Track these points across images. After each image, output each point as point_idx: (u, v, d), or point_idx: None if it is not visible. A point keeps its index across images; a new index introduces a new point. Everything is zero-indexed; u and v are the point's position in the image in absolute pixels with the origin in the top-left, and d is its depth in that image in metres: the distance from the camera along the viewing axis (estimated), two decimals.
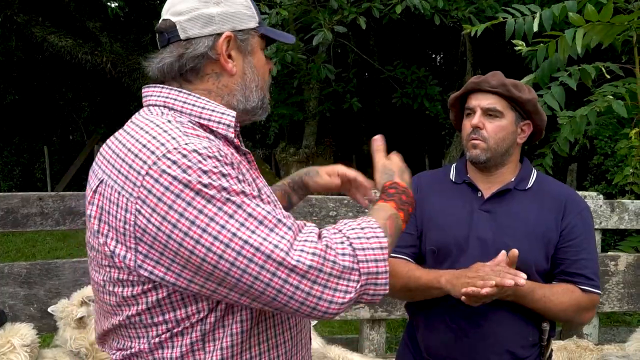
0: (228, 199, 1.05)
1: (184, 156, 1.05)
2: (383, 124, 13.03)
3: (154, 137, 1.10)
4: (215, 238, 1.03)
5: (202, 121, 1.19)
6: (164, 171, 1.04)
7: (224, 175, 1.06)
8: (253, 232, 1.04)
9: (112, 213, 1.10)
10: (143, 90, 1.27)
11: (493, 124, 1.82)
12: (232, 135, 1.21)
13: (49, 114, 14.16)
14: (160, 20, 1.27)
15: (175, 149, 1.06)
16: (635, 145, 4.01)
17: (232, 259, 1.03)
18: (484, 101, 1.82)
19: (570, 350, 2.88)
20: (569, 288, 1.77)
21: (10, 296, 2.69)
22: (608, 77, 3.56)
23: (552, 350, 1.89)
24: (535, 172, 1.92)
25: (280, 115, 9.05)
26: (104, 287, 1.17)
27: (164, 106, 1.21)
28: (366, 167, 13.66)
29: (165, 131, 1.11)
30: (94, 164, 1.21)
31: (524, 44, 3.50)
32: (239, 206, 1.05)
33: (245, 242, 1.03)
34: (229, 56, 1.23)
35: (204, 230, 1.03)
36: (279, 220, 1.06)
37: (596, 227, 3.17)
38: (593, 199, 3.31)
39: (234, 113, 1.22)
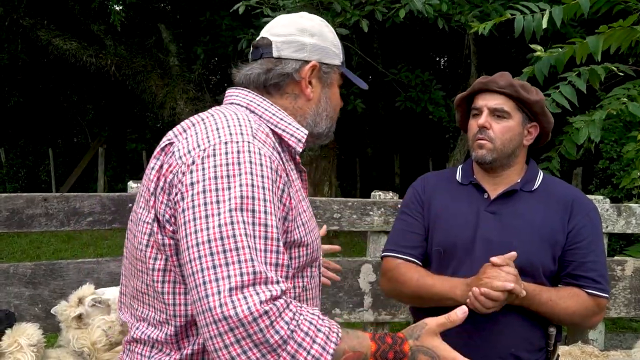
0: (231, 210, 1.08)
1: (238, 151, 1.14)
2: (387, 127, 13.03)
3: (228, 126, 1.19)
4: (195, 232, 1.08)
5: (277, 130, 1.30)
6: (214, 154, 1.14)
7: (253, 185, 1.11)
8: (224, 251, 1.06)
9: (164, 170, 1.20)
10: (228, 91, 1.39)
11: (500, 125, 1.81)
12: (300, 150, 1.32)
13: (53, 117, 14.22)
14: (258, 37, 1.41)
15: (236, 142, 1.15)
16: None
17: (191, 258, 1.07)
18: (491, 101, 1.81)
19: (575, 356, 2.86)
20: (576, 292, 1.76)
21: (15, 296, 2.70)
22: (622, 75, 3.51)
23: (558, 355, 1.87)
24: (542, 174, 1.91)
25: None
26: (139, 244, 1.23)
27: (246, 108, 1.32)
28: (370, 170, 13.67)
29: (239, 125, 1.20)
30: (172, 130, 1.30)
31: (542, 49, 3.47)
32: (232, 222, 1.08)
33: (211, 254, 1.06)
34: (310, 83, 1.37)
35: (194, 219, 1.09)
36: (251, 259, 1.06)
37: (603, 231, 3.15)
38: (599, 203, 3.29)
39: (306, 131, 1.34)
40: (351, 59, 9.62)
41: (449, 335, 1.79)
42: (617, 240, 5.97)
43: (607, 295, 1.79)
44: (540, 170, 1.93)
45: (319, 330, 1.09)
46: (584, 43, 3.21)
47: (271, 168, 1.15)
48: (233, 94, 1.36)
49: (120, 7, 9.65)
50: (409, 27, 9.67)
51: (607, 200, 3.38)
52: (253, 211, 1.10)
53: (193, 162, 1.14)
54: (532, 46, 3.48)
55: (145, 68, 10.17)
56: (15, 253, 7.99)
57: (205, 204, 1.10)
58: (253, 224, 1.09)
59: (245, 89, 1.36)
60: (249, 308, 1.03)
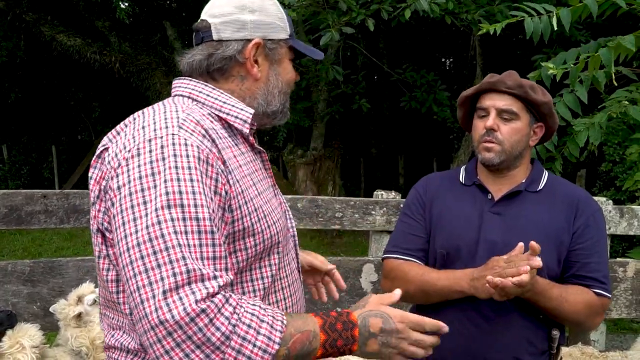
0: (157, 209, 1.05)
1: (162, 147, 1.10)
2: (391, 128, 13.01)
3: (154, 122, 1.15)
4: (125, 236, 1.05)
5: (221, 114, 1.26)
6: (139, 154, 1.10)
7: (179, 179, 1.07)
8: (154, 253, 1.03)
9: (99, 176, 1.18)
10: (173, 82, 1.34)
11: (508, 126, 1.78)
12: (247, 131, 1.27)
13: (57, 114, 14.21)
14: (198, 20, 1.34)
15: (160, 137, 1.11)
16: None
17: (125, 264, 1.05)
18: (499, 102, 1.78)
19: (575, 357, 2.84)
20: (583, 289, 1.73)
21: (14, 294, 2.69)
22: (615, 84, 3.51)
23: (561, 358, 1.84)
24: (547, 174, 1.88)
25: (288, 121, 9.02)
26: (95, 256, 1.22)
27: (189, 97, 1.28)
28: (374, 170, 13.64)
29: (166, 119, 1.15)
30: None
31: (554, 67, 3.45)
32: (159, 222, 1.04)
33: (141, 257, 1.03)
34: (256, 62, 1.31)
35: (123, 223, 1.06)
36: (183, 257, 1.03)
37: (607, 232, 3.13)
38: (602, 205, 3.26)
39: (252, 111, 1.28)
40: (356, 58, 9.62)
41: (452, 338, 1.78)
42: (620, 242, 5.95)
43: (610, 296, 1.77)
44: (545, 170, 1.90)
45: (262, 320, 1.06)
46: (596, 56, 3.18)
47: (199, 158, 1.10)
48: (176, 85, 1.32)
49: (127, 4, 9.65)
50: (414, 27, 9.64)
51: (610, 202, 3.35)
52: (182, 206, 1.05)
53: (119, 165, 1.11)
54: (544, 65, 3.46)
55: (149, 65, 10.17)
56: (17, 251, 7.98)
57: (132, 206, 1.06)
58: (183, 219, 1.05)
59: (187, 78, 1.31)
60: (184, 309, 0.99)
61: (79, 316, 2.40)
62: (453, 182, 1.93)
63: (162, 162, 1.08)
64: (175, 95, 1.30)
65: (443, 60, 14.81)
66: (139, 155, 1.10)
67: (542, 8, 3.60)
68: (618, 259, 3.47)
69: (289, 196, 3.09)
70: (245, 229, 1.18)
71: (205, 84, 1.29)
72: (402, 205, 3.09)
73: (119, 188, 1.09)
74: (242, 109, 1.27)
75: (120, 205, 1.07)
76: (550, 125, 1.85)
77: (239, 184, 1.18)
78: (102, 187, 1.15)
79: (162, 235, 1.03)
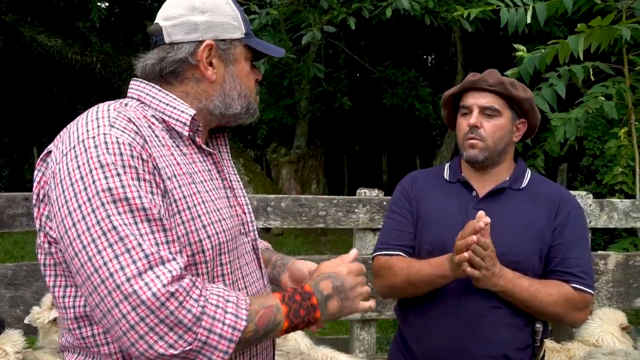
0: (105, 202, 1.07)
1: (95, 146, 1.11)
2: (374, 125, 13.05)
3: (86, 123, 1.16)
4: (78, 237, 1.06)
5: (163, 117, 1.25)
6: (75, 156, 1.11)
7: (118, 174, 1.09)
8: (110, 245, 1.05)
9: (42, 180, 1.19)
10: (130, 84, 1.34)
11: (491, 123, 1.81)
12: (186, 134, 1.25)
13: (38, 115, 14.05)
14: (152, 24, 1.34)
15: (92, 137, 1.12)
16: (624, 145, 4.04)
17: (83, 262, 1.06)
18: (481, 100, 1.81)
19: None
20: (558, 282, 1.76)
21: None
22: (593, 79, 3.58)
23: (545, 351, 1.87)
24: (530, 172, 1.92)
25: (269, 118, 9.03)
26: (37, 253, 1.24)
27: (137, 99, 1.28)
28: (357, 168, 13.69)
29: (97, 119, 1.16)
30: None
31: (525, 50, 3.50)
32: (109, 215, 1.06)
33: (98, 252, 1.05)
34: (210, 64, 1.28)
35: (74, 225, 1.07)
36: (139, 244, 1.06)
37: (588, 230, 3.18)
38: (582, 199, 3.31)
39: (192, 112, 1.26)
40: (338, 56, 9.63)
41: (438, 335, 1.80)
42: (601, 235, 6.03)
43: (591, 292, 1.78)
44: (528, 168, 1.94)
45: (227, 300, 1.10)
46: (565, 43, 3.25)
47: (132, 155, 1.11)
48: (130, 87, 1.32)
49: (106, 5, 9.56)
50: (395, 25, 9.67)
51: (590, 195, 3.40)
52: (127, 199, 1.08)
53: (59, 170, 1.12)
54: (516, 46, 3.52)
55: (131, 66, 9.96)
56: (2, 253, 7.90)
57: (79, 206, 1.07)
58: (131, 211, 1.07)
59: (139, 80, 1.31)
60: (153, 294, 1.02)
61: (54, 321, 2.38)
62: (438, 179, 1.96)
63: (98, 160, 1.09)
64: (128, 97, 1.31)
65: (424, 57, 14.90)
66: (75, 157, 1.11)
67: (521, 1, 3.66)
68: (599, 252, 3.52)
69: (272, 196, 3.09)
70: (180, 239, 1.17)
71: (154, 86, 1.28)
72: (385, 203, 3.13)
73: (62, 192, 1.10)
74: (182, 111, 1.25)
75: (67, 208, 1.08)
76: (532, 121, 1.88)
77: (170, 181, 1.17)
78: (46, 190, 1.17)
79: (114, 228, 1.06)
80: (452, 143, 9.74)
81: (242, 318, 1.10)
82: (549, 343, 2.81)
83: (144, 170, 1.12)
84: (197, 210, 1.20)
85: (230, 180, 1.38)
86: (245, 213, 1.39)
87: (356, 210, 3.09)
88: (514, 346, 1.77)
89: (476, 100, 1.81)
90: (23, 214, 2.69)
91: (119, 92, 10.63)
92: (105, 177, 1.08)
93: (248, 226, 1.40)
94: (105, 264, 1.04)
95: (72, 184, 1.09)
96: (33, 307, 2.46)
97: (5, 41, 11.28)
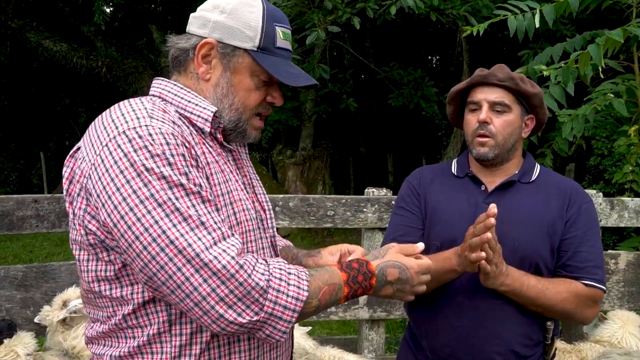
0: (162, 188, 1.09)
1: (140, 137, 1.11)
2: (380, 126, 13.04)
3: (122, 115, 1.16)
4: (138, 220, 1.08)
5: (186, 113, 1.26)
6: (118, 146, 1.11)
7: (169, 163, 1.11)
8: (174, 225, 1.08)
9: (77, 176, 1.19)
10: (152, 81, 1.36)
11: (501, 119, 1.78)
12: (208, 130, 1.26)
13: (45, 120, 14.11)
14: None
15: (133, 128, 1.12)
16: (634, 143, 4.00)
17: (147, 243, 1.08)
18: (491, 95, 1.78)
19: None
20: (566, 279, 1.73)
21: (7, 299, 2.66)
22: (602, 76, 3.55)
23: (556, 349, 1.85)
24: (539, 166, 1.89)
25: (275, 120, 9.03)
26: (72, 249, 1.26)
27: (159, 96, 1.29)
28: (363, 169, 13.67)
29: (134, 111, 1.17)
30: None
31: (547, 68, 3.47)
32: (169, 198, 1.09)
33: (163, 232, 1.07)
34: (210, 63, 1.28)
35: (131, 209, 1.08)
36: (202, 223, 1.10)
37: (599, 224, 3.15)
38: (593, 197, 3.28)
39: (213, 109, 1.27)
40: (343, 57, 9.63)
41: (447, 332, 1.79)
42: (610, 235, 5.99)
43: (603, 287, 1.75)
44: (536, 163, 1.92)
45: (289, 273, 1.16)
46: (586, 53, 3.21)
47: (177, 143, 1.14)
48: (152, 85, 1.33)
49: (111, 9, 9.59)
50: (400, 26, 9.66)
51: (600, 194, 3.37)
52: (181, 184, 1.10)
53: (102, 160, 1.12)
54: (537, 67, 3.49)
55: (136, 69, 10.12)
56: (7, 258, 7.92)
57: (134, 191, 1.08)
58: (187, 195, 1.10)
59: (160, 78, 1.33)
60: (224, 266, 1.07)
61: (64, 321, 2.39)
62: (445, 174, 1.93)
63: (146, 149, 1.10)
64: (150, 95, 1.32)
65: (429, 57, 14.87)
66: (119, 146, 1.11)
67: (526, 5, 3.64)
68: (610, 251, 3.48)
69: (280, 196, 3.08)
70: None
71: (175, 83, 1.30)
72: (393, 202, 3.11)
73: (112, 180, 1.09)
74: (204, 108, 1.27)
75: (121, 194, 1.08)
76: (541, 117, 1.86)
77: (206, 168, 1.21)
78: (84, 184, 1.15)
79: (177, 209, 1.09)
80: (458, 143, 9.71)
81: (303, 289, 1.15)
82: (559, 344, 2.79)
83: (190, 157, 1.15)
84: (228, 198, 1.25)
85: (250, 178, 1.40)
86: (264, 210, 1.41)
87: (364, 209, 3.07)
88: (523, 343, 1.75)
89: (486, 95, 1.79)
90: (32, 216, 2.69)
91: (124, 95, 10.66)
92: (158, 167, 1.09)
93: (267, 223, 1.40)
94: (172, 242, 1.07)
95: (121, 172, 1.09)
96: (44, 307, 2.47)
97: (12, 47, 11.33)
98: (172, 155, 1.12)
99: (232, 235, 1.13)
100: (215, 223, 1.11)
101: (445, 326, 1.80)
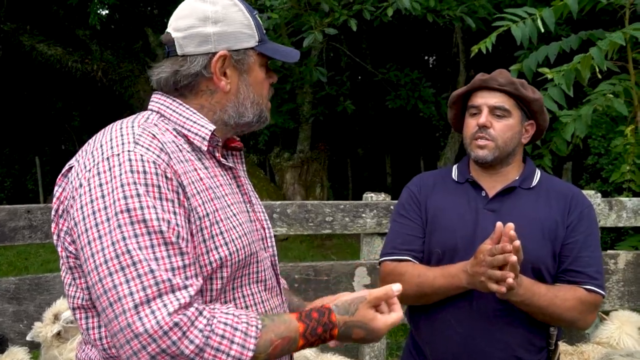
0: (120, 226, 1.06)
1: (119, 164, 1.10)
2: (377, 127, 13.02)
3: (110, 140, 1.16)
4: (92, 255, 1.07)
5: (184, 131, 1.24)
6: (98, 173, 1.11)
7: (138, 194, 1.08)
8: (122, 269, 1.05)
9: (63, 195, 1.19)
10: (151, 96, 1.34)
11: (501, 123, 1.77)
12: (205, 148, 1.24)
13: (39, 124, 14.03)
14: (165, 32, 1.31)
15: (116, 155, 1.12)
16: (631, 143, 4.00)
17: (94, 282, 1.06)
18: (491, 99, 1.78)
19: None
20: (572, 286, 1.72)
21: None
22: (600, 77, 3.54)
23: (559, 354, 1.83)
24: (539, 171, 1.88)
25: (271, 123, 9.00)
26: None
27: (157, 112, 1.27)
28: (361, 170, 13.64)
29: (122, 135, 1.16)
30: None
31: (550, 71, 3.47)
32: (124, 238, 1.06)
33: (110, 274, 1.05)
34: (224, 74, 1.26)
35: (89, 242, 1.07)
36: (151, 271, 1.05)
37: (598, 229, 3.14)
38: (591, 198, 3.27)
39: (212, 127, 1.25)
40: (340, 60, 9.60)
41: (450, 337, 1.76)
42: (608, 233, 5.99)
43: (603, 293, 1.75)
44: (537, 168, 1.90)
45: (235, 329, 1.08)
46: (587, 56, 3.21)
47: (156, 173, 1.10)
48: (151, 99, 1.31)
49: (106, 12, 9.55)
50: (397, 27, 9.64)
51: (599, 194, 3.36)
52: (144, 221, 1.07)
53: (80, 185, 1.12)
54: (541, 70, 3.48)
55: (132, 73, 10.08)
56: (2, 266, 7.84)
57: (96, 224, 1.07)
58: (148, 233, 1.07)
59: (159, 92, 1.30)
60: (157, 322, 1.02)
61: (58, 334, 2.35)
62: (446, 180, 1.91)
63: (120, 179, 1.08)
64: (148, 110, 1.30)
65: (426, 58, 14.86)
66: (98, 174, 1.10)
67: (524, 12, 3.63)
68: (609, 251, 3.47)
69: (278, 202, 3.05)
70: (198, 246, 1.16)
71: (174, 99, 1.27)
72: (392, 207, 3.09)
73: (81, 207, 1.10)
74: (202, 126, 1.24)
75: (85, 224, 1.08)
76: (541, 123, 1.85)
77: (194, 198, 1.16)
78: (65, 206, 1.16)
79: (128, 251, 1.05)
80: (455, 144, 9.69)
81: (249, 348, 1.09)
82: (562, 346, 2.76)
83: (167, 189, 1.11)
84: (219, 227, 1.19)
85: (250, 196, 1.37)
86: (264, 228, 1.39)
87: (363, 215, 3.05)
88: (527, 348, 1.73)
89: (486, 99, 1.78)
90: (25, 226, 2.65)
91: (119, 99, 10.63)
92: (125, 197, 1.07)
93: (267, 241, 1.39)
94: (114, 287, 1.04)
95: (91, 201, 1.09)
96: (35, 323, 2.43)
97: (5, 50, 11.28)
98: (146, 185, 1.09)
99: (184, 286, 1.06)
100: (171, 270, 1.06)
101: (447, 333, 1.77)
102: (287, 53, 1.36)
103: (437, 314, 1.79)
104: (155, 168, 1.11)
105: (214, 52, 1.24)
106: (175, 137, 1.22)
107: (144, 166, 1.10)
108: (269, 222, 1.43)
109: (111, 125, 1.22)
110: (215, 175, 1.25)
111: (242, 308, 1.23)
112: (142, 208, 1.07)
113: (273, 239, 1.41)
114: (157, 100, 1.29)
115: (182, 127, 1.24)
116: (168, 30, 1.28)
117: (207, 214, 1.17)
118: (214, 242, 1.17)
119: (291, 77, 7.87)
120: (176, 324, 1.03)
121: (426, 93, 8.35)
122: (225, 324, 1.08)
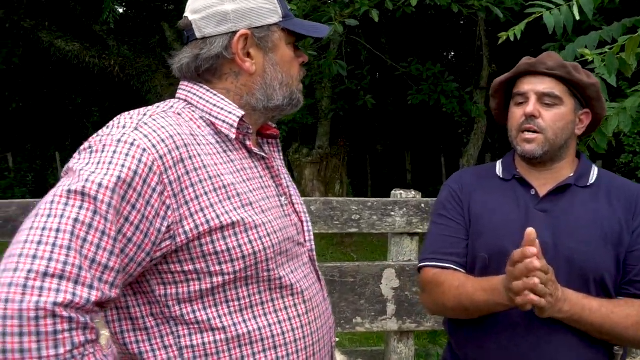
0: (67, 204, 0.94)
1: (104, 147, 1.03)
2: (397, 123, 12.83)
3: (119, 122, 1.10)
4: (30, 229, 0.93)
5: (211, 118, 1.17)
6: (90, 147, 1.05)
7: (100, 184, 0.97)
8: (42, 232, 0.91)
9: None
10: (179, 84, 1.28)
11: (551, 112, 1.56)
12: (234, 136, 1.17)
13: (60, 120, 14.16)
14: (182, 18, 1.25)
15: (111, 135, 1.05)
16: None
17: (17, 238, 0.93)
18: (539, 85, 1.56)
19: None
20: (634, 301, 1.50)
21: None
22: None
23: None
24: (596, 167, 1.67)
25: (289, 119, 8.87)
26: None
27: (185, 100, 1.21)
28: (380, 167, 13.44)
29: (130, 118, 1.10)
30: None
31: (590, 53, 3.23)
32: (62, 216, 0.93)
33: (25, 239, 0.91)
34: (248, 54, 1.19)
35: (36, 216, 0.95)
36: (69, 248, 0.90)
37: None
38: None
39: (240, 114, 1.18)
40: (359, 54, 9.42)
41: (496, 354, 1.56)
42: None
43: None
44: (593, 164, 1.69)
45: None
46: (634, 38, 2.97)
47: (140, 160, 1.00)
48: (179, 88, 1.25)
49: (123, 9, 9.49)
50: (416, 21, 9.44)
51: None
52: (95, 201, 0.95)
53: (73, 157, 1.08)
54: (580, 51, 3.24)
55: (149, 68, 10.05)
56: None
57: (53, 194, 0.97)
58: (94, 212, 0.94)
59: (186, 80, 1.23)
60: (37, 302, 0.85)
61: None
62: (490, 177, 1.71)
63: (97, 162, 1.00)
64: (175, 98, 1.24)
65: (445, 54, 14.60)
66: (89, 148, 1.05)
67: None
68: None
69: (302, 199, 2.89)
70: (215, 245, 1.07)
71: (201, 86, 1.21)
72: (423, 205, 2.90)
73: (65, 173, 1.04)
74: (230, 112, 1.17)
75: (56, 191, 0.98)
76: (598, 112, 1.64)
77: (202, 199, 1.06)
78: None
79: (58, 229, 0.92)
80: (479, 141, 9.46)
81: None
82: None
83: (146, 183, 1.01)
84: (241, 226, 1.10)
85: (286, 187, 1.28)
86: (302, 222, 1.30)
87: (392, 213, 2.86)
88: None
89: (533, 86, 1.57)
90: None
91: (137, 94, 10.60)
92: (87, 181, 0.97)
93: (304, 236, 1.30)
94: (25, 242, 0.90)
95: (66, 172, 1.03)
96: None
97: (25, 48, 11.30)
98: (122, 168, 0.99)
99: (90, 285, 0.91)
100: (91, 261, 0.92)
101: (495, 350, 1.56)
102: (315, 28, 1.28)
103: (484, 328, 1.58)
104: (140, 155, 1.01)
105: (234, 31, 1.17)
106: (200, 127, 1.15)
107: (129, 151, 1.01)
108: (307, 215, 1.31)
109: (122, 114, 1.15)
110: (243, 167, 1.16)
111: (280, 310, 1.15)
112: (95, 198, 0.95)
113: (311, 233, 1.31)
114: (184, 88, 1.23)
115: (210, 114, 1.18)
116: (185, 14, 1.22)
117: (226, 212, 1.08)
118: (239, 240, 1.08)
119: (310, 72, 7.71)
120: (54, 316, 0.86)
121: (449, 88, 8.11)
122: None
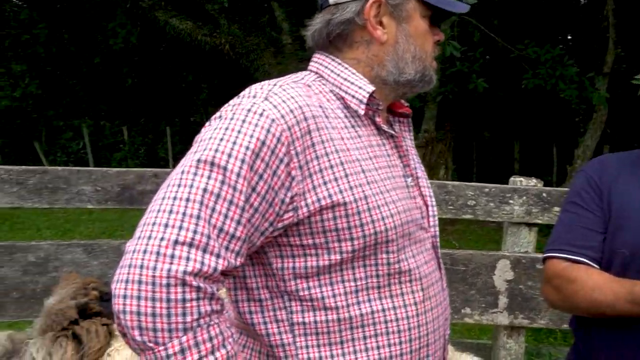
0: (196, 174, 0.96)
1: (233, 115, 1.02)
2: (507, 109, 12.26)
3: (249, 91, 1.08)
4: (162, 198, 0.96)
5: (341, 92, 1.15)
6: (220, 117, 1.04)
7: (229, 155, 0.97)
8: (174, 198, 0.94)
9: None
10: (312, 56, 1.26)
11: None
12: (362, 112, 1.13)
13: (171, 96, 14.82)
14: None
15: (239, 104, 1.04)
16: None
17: (150, 207, 0.97)
18: None
19: None
20: None
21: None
22: None
23: None
24: None
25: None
26: None
27: (316, 72, 1.19)
28: (487, 155, 12.93)
29: (261, 88, 1.08)
30: None
31: None
32: (192, 185, 0.95)
33: (162, 199, 0.95)
34: (380, 23, 1.16)
35: (168, 186, 0.98)
36: (198, 217, 0.92)
37: None
38: None
39: (370, 89, 1.14)
40: (471, 35, 9.04)
41: None
42: None
43: None
44: None
45: (223, 345, 0.93)
46: None
47: (268, 130, 0.99)
48: (312, 60, 1.22)
49: None
50: (531, 1, 8.87)
51: None
52: (225, 169, 0.96)
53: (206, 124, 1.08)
54: None
55: (258, 46, 10.22)
56: (131, 229, 8.25)
57: (183, 164, 1.00)
58: (222, 182, 0.95)
59: (320, 52, 1.21)
60: (169, 270, 0.88)
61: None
62: (636, 165, 1.53)
63: (224, 131, 1.00)
64: (307, 70, 1.21)
65: (559, 37, 13.70)
66: (220, 117, 1.05)
67: None
68: None
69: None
70: (337, 222, 1.04)
71: (332, 58, 1.18)
72: (544, 194, 2.69)
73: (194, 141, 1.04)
74: (360, 87, 1.14)
75: (193, 147, 1.01)
76: None
77: (326, 172, 1.04)
78: None
79: (188, 198, 0.93)
80: (597, 131, 8.81)
81: None
82: None
83: (274, 153, 1.00)
84: (364, 204, 1.06)
85: (414, 168, 1.23)
86: (427, 205, 1.24)
87: (510, 201, 2.68)
88: None
89: None
90: (152, 190, 2.62)
91: (245, 72, 10.83)
92: (216, 151, 0.98)
93: (429, 220, 1.23)
94: (158, 210, 0.93)
95: (199, 140, 1.02)
96: None
97: (141, 27, 11.87)
98: (251, 137, 0.99)
99: (217, 253, 0.92)
100: (219, 230, 0.93)
101: (629, 355, 1.40)
102: (451, 3, 1.20)
103: (626, 334, 1.41)
104: (269, 126, 1.00)
105: None
106: (330, 100, 1.12)
107: (258, 120, 1.00)
108: (433, 199, 1.25)
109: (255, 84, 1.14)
110: (370, 144, 1.13)
111: (396, 295, 1.10)
112: (225, 168, 0.96)
113: (436, 219, 1.26)
114: (316, 60, 1.21)
115: (340, 88, 1.15)
116: None
117: (351, 188, 1.05)
118: (361, 218, 1.04)
119: None
120: (184, 284, 0.89)
121: (569, 72, 7.56)
122: (221, 332, 0.93)
